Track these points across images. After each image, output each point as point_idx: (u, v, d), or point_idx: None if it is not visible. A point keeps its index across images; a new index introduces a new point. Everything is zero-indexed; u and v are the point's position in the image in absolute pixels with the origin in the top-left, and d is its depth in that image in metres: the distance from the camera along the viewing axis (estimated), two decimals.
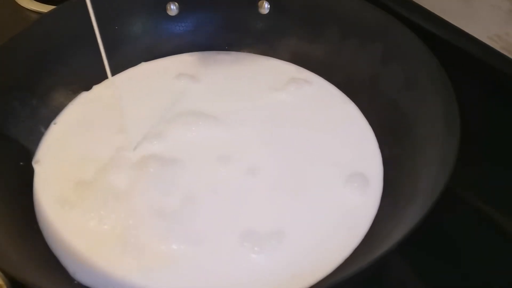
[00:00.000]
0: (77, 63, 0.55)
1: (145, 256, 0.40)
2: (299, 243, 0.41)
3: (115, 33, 0.58)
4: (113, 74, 0.57)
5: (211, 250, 0.41)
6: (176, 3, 0.60)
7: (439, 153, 0.40)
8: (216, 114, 0.52)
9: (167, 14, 0.60)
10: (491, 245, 0.43)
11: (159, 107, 0.52)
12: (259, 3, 0.60)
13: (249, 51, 0.60)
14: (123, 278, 0.39)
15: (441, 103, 0.43)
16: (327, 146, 0.49)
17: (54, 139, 0.50)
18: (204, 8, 0.61)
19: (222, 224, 0.42)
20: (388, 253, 0.33)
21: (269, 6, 0.60)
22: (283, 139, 0.49)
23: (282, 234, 0.41)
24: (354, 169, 0.46)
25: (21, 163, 0.47)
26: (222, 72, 0.58)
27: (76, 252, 0.40)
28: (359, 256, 0.40)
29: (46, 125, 0.51)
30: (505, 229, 0.45)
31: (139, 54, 0.59)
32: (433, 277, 0.41)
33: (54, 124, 0.51)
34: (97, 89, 0.55)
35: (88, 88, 0.55)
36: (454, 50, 0.56)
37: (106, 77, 0.56)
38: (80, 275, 0.39)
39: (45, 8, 0.68)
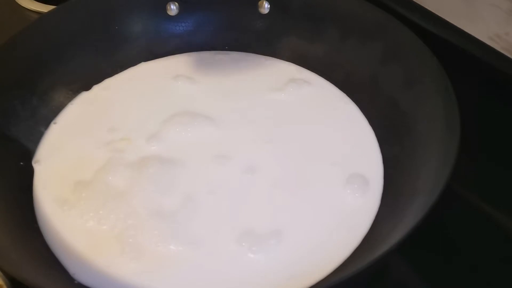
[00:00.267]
0: (77, 63, 0.55)
1: (143, 257, 0.40)
2: (298, 243, 0.41)
3: (115, 33, 0.58)
4: (113, 74, 0.57)
5: (209, 250, 0.40)
6: (176, 3, 0.60)
7: (439, 153, 0.40)
8: (215, 114, 0.52)
9: (167, 14, 0.60)
10: (492, 245, 0.43)
11: (158, 107, 0.52)
12: (259, 3, 0.60)
13: (249, 51, 0.60)
14: (123, 279, 0.39)
15: (441, 103, 0.43)
16: (327, 146, 0.49)
17: (54, 139, 0.50)
18: (204, 8, 0.61)
19: (220, 224, 0.42)
20: (388, 253, 0.33)
21: (269, 6, 0.60)
22: (282, 139, 0.49)
23: (280, 234, 0.41)
24: (354, 169, 0.46)
25: (21, 163, 0.47)
26: (221, 72, 0.58)
27: (75, 252, 0.40)
28: (359, 256, 0.40)
29: (46, 125, 0.51)
30: (506, 228, 0.45)
31: (139, 54, 0.59)
32: (433, 277, 0.41)
33: (54, 124, 0.51)
34: (97, 89, 0.55)
35: (88, 88, 0.55)
36: (454, 50, 0.56)
37: (106, 77, 0.57)
38: (80, 275, 0.39)
39: (45, 8, 0.68)
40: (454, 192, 0.46)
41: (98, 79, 0.56)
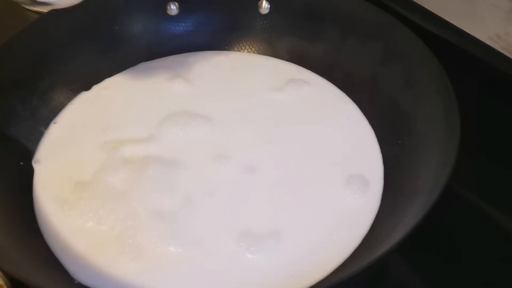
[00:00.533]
0: (77, 63, 0.55)
1: (143, 257, 0.40)
2: (298, 244, 0.41)
3: (115, 33, 0.58)
4: (113, 74, 0.57)
5: (209, 250, 0.40)
6: (176, 3, 0.60)
7: (439, 153, 0.40)
8: (214, 114, 0.52)
9: (167, 14, 0.60)
10: (492, 245, 0.43)
11: (158, 107, 0.52)
12: (259, 3, 0.60)
13: (249, 51, 0.61)
14: (123, 279, 0.39)
15: (441, 103, 0.43)
16: (327, 146, 0.49)
17: (54, 139, 0.50)
18: (204, 8, 0.61)
19: (220, 225, 0.42)
20: (388, 253, 0.33)
21: (269, 6, 0.60)
22: (282, 139, 0.49)
23: (280, 234, 0.41)
24: (354, 169, 0.46)
25: (21, 163, 0.47)
26: (221, 73, 0.58)
27: (75, 252, 0.40)
28: (359, 257, 0.40)
29: (46, 125, 0.51)
30: (506, 228, 0.45)
31: (139, 54, 0.59)
32: (433, 277, 0.41)
33: (54, 124, 0.51)
34: (96, 89, 0.55)
35: (88, 88, 0.55)
36: (454, 50, 0.56)
37: (105, 77, 0.57)
38: (80, 275, 0.39)
39: (45, 8, 0.68)
40: (454, 192, 0.46)
41: (98, 79, 0.56)
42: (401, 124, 0.47)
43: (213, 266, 0.40)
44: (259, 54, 0.60)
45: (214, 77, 0.57)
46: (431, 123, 0.44)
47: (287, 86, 0.55)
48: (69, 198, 0.44)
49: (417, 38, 0.49)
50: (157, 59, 0.59)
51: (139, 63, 0.58)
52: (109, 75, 0.57)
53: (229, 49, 0.61)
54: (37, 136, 0.50)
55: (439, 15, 0.58)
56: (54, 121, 0.52)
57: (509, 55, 0.53)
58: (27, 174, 0.46)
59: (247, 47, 0.61)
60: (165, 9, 0.60)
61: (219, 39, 0.61)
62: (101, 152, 0.48)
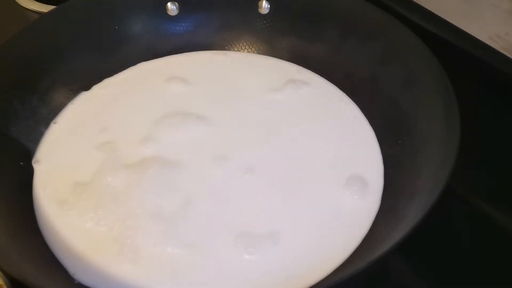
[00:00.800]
0: (77, 63, 0.55)
1: (141, 258, 0.40)
2: (297, 244, 0.41)
3: (115, 33, 0.58)
4: (113, 74, 0.57)
5: (207, 251, 0.40)
6: (176, 3, 0.60)
7: (439, 153, 0.40)
8: (214, 114, 0.52)
9: (167, 14, 0.60)
10: (492, 245, 0.43)
11: (158, 108, 0.52)
12: (259, 3, 0.60)
13: (249, 51, 0.61)
14: (122, 279, 0.39)
15: (441, 103, 0.43)
16: (327, 146, 0.49)
17: (54, 139, 0.50)
18: (204, 8, 0.61)
19: (218, 226, 0.42)
20: (388, 253, 0.33)
21: (269, 6, 0.60)
22: (281, 140, 0.49)
23: (279, 235, 0.41)
24: (354, 170, 0.46)
25: (21, 163, 0.47)
26: (221, 73, 0.58)
27: (75, 252, 0.40)
28: (359, 257, 0.40)
29: (46, 125, 0.51)
30: (506, 228, 0.45)
31: (139, 54, 0.59)
32: (433, 277, 0.41)
33: (54, 123, 0.51)
34: (96, 89, 0.55)
35: (87, 88, 0.55)
36: (454, 50, 0.56)
37: (105, 76, 0.57)
38: (79, 275, 0.39)
39: (45, 8, 0.68)
40: (454, 192, 0.46)
41: (98, 79, 0.56)
42: (401, 124, 0.47)
43: (211, 267, 0.40)
44: (259, 54, 0.60)
45: (214, 77, 0.57)
46: (431, 123, 0.44)
47: (287, 86, 0.55)
48: (69, 198, 0.44)
49: (417, 38, 0.48)
50: (157, 59, 0.59)
51: (139, 63, 0.58)
52: (109, 75, 0.57)
53: (229, 49, 0.61)
54: (37, 136, 0.50)
55: (439, 15, 0.58)
56: (54, 121, 0.52)
57: (509, 55, 0.53)
58: (27, 174, 0.46)
59: (247, 47, 0.61)
60: (165, 9, 0.60)
61: (219, 39, 0.61)
62: (101, 152, 0.48)
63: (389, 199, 0.44)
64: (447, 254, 0.42)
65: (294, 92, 0.54)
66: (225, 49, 0.61)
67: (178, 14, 0.60)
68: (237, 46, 0.61)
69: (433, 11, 0.59)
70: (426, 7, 0.60)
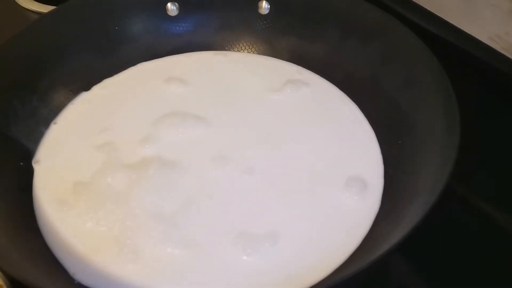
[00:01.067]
0: (77, 63, 0.55)
1: (141, 258, 0.40)
2: (297, 245, 0.41)
3: (115, 33, 0.58)
4: (113, 74, 0.57)
5: (206, 252, 0.40)
6: (176, 4, 0.60)
7: (439, 153, 0.40)
8: (214, 115, 0.52)
9: (167, 14, 0.60)
10: (492, 245, 0.43)
11: (157, 108, 0.52)
12: (259, 3, 0.60)
13: (249, 51, 0.61)
14: (122, 279, 0.39)
15: (441, 103, 0.43)
16: (326, 146, 0.49)
17: (54, 139, 0.50)
18: (204, 8, 0.61)
19: (218, 226, 0.42)
20: (388, 253, 0.33)
21: (269, 6, 0.60)
22: (280, 140, 0.49)
23: (278, 236, 0.41)
24: (354, 170, 0.46)
25: (21, 163, 0.47)
26: (221, 73, 0.58)
27: (75, 252, 0.40)
28: (359, 257, 0.40)
29: (46, 125, 0.51)
30: (506, 228, 0.45)
31: (139, 54, 0.59)
32: (433, 277, 0.41)
33: (54, 124, 0.51)
34: (96, 89, 0.55)
35: (87, 88, 0.55)
36: (454, 50, 0.56)
37: (105, 77, 0.57)
38: (80, 275, 0.39)
39: (45, 8, 0.68)
40: (454, 192, 0.46)
41: (98, 79, 0.56)
42: (401, 124, 0.47)
43: (210, 267, 0.40)
44: (259, 54, 0.60)
45: (214, 78, 0.57)
46: (431, 123, 0.44)
47: (286, 86, 0.55)
48: (69, 198, 0.44)
49: (417, 38, 0.49)
50: (157, 59, 0.59)
51: (139, 63, 0.58)
52: (109, 75, 0.57)
53: (229, 49, 0.61)
54: (37, 136, 0.50)
55: (439, 15, 0.58)
56: (54, 121, 0.52)
57: (509, 56, 0.53)
58: (27, 174, 0.46)
59: (247, 47, 0.61)
60: (165, 9, 0.60)
61: (219, 39, 0.61)
62: (101, 152, 0.48)
63: (389, 199, 0.44)
64: (447, 254, 0.42)
65: (294, 92, 0.54)
66: (225, 50, 0.61)
67: (178, 14, 0.60)
68: (237, 46, 0.61)
69: (433, 11, 0.59)
70: (426, 7, 0.60)
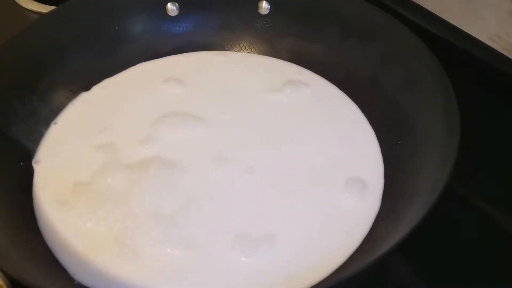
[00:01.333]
0: (77, 63, 0.55)
1: (141, 258, 0.40)
2: (296, 245, 0.41)
3: (115, 33, 0.58)
4: (113, 74, 0.57)
5: (206, 252, 0.40)
6: (176, 4, 0.60)
7: (439, 153, 0.40)
8: (214, 115, 0.52)
9: (167, 14, 0.60)
10: (492, 245, 0.43)
11: (157, 108, 0.52)
12: (259, 3, 0.60)
13: (249, 51, 0.61)
14: (121, 279, 0.39)
15: (441, 103, 0.43)
16: (326, 146, 0.49)
17: (54, 140, 0.50)
18: (204, 8, 0.61)
19: (218, 227, 0.42)
20: (388, 253, 0.33)
21: (269, 6, 0.60)
22: (280, 140, 0.49)
23: (278, 236, 0.41)
24: (354, 170, 0.46)
25: (21, 163, 0.47)
26: (221, 73, 0.58)
27: (75, 252, 0.40)
28: (359, 257, 0.40)
29: (46, 125, 0.51)
30: (506, 228, 0.45)
31: (139, 54, 0.59)
32: (433, 277, 0.41)
33: (54, 124, 0.51)
34: (96, 89, 0.55)
35: (87, 88, 0.55)
36: (454, 50, 0.56)
37: (105, 77, 0.57)
38: (79, 275, 0.39)
39: (45, 8, 0.68)
40: (454, 192, 0.46)
41: (98, 79, 0.56)
42: (401, 124, 0.47)
43: (210, 267, 0.40)
44: (259, 54, 0.60)
45: (214, 78, 0.57)
46: (431, 123, 0.44)
47: (286, 87, 0.55)
48: (69, 198, 0.44)
49: (417, 38, 0.48)
50: (157, 59, 0.59)
51: (139, 63, 0.58)
52: (109, 75, 0.57)
53: (229, 49, 0.61)
54: (37, 136, 0.50)
55: (439, 15, 0.58)
56: (54, 121, 0.52)
57: (509, 56, 0.53)
58: (27, 174, 0.46)
59: (247, 47, 0.61)
60: (165, 10, 0.60)
61: (219, 40, 0.61)
62: (101, 152, 0.48)
63: (389, 199, 0.44)
64: (447, 254, 0.42)
65: (294, 92, 0.54)
66: (225, 50, 0.61)
67: (178, 14, 0.60)
68: (237, 46, 0.61)
69: (433, 11, 0.59)
70: (426, 7, 0.60)
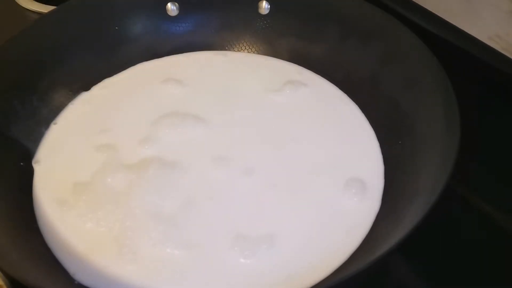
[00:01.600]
0: (77, 63, 0.55)
1: (140, 258, 0.40)
2: (296, 245, 0.41)
3: (115, 33, 0.58)
4: (113, 74, 0.57)
5: (206, 253, 0.40)
6: (176, 4, 0.60)
7: (439, 153, 0.40)
8: (214, 116, 0.51)
9: (167, 14, 0.60)
10: (492, 245, 0.43)
11: (157, 108, 0.52)
12: (259, 3, 0.60)
13: (249, 51, 0.61)
14: (121, 279, 0.39)
15: (441, 103, 0.43)
16: (326, 146, 0.49)
17: (54, 139, 0.50)
18: (204, 8, 0.61)
19: (218, 227, 0.42)
20: (388, 253, 0.33)
21: (269, 6, 0.60)
22: (280, 141, 0.49)
23: (278, 237, 0.41)
24: (354, 171, 0.46)
25: (21, 163, 0.47)
26: (221, 73, 0.57)
27: (75, 252, 0.40)
28: (359, 257, 0.40)
29: (46, 125, 0.51)
30: (506, 228, 0.45)
31: (139, 54, 0.59)
32: (433, 277, 0.41)
33: (54, 124, 0.51)
34: (96, 89, 0.55)
35: (87, 88, 0.55)
36: (454, 50, 0.56)
37: (105, 77, 0.57)
38: (80, 275, 0.39)
39: (45, 8, 0.68)
40: (454, 192, 0.46)
41: (98, 79, 0.56)
42: (401, 124, 0.47)
43: (210, 268, 0.40)
44: (259, 54, 0.60)
45: (214, 78, 0.57)
46: (431, 123, 0.44)
47: (286, 87, 0.55)
48: (69, 198, 0.44)
49: (417, 38, 0.49)
50: (157, 59, 0.59)
51: (139, 63, 0.58)
52: (109, 75, 0.57)
53: (228, 49, 0.61)
54: (37, 136, 0.50)
55: (439, 15, 0.58)
56: (54, 121, 0.52)
57: (509, 56, 0.53)
58: (27, 174, 0.46)
59: (247, 47, 0.61)
60: (165, 10, 0.60)
61: (219, 39, 0.61)
62: (101, 152, 0.48)
63: (390, 199, 0.44)
64: (447, 254, 0.42)
65: (294, 92, 0.54)
66: (225, 50, 0.61)
67: (178, 14, 0.60)
68: (237, 46, 0.61)
69: (433, 11, 0.59)
70: (426, 7, 0.60)
